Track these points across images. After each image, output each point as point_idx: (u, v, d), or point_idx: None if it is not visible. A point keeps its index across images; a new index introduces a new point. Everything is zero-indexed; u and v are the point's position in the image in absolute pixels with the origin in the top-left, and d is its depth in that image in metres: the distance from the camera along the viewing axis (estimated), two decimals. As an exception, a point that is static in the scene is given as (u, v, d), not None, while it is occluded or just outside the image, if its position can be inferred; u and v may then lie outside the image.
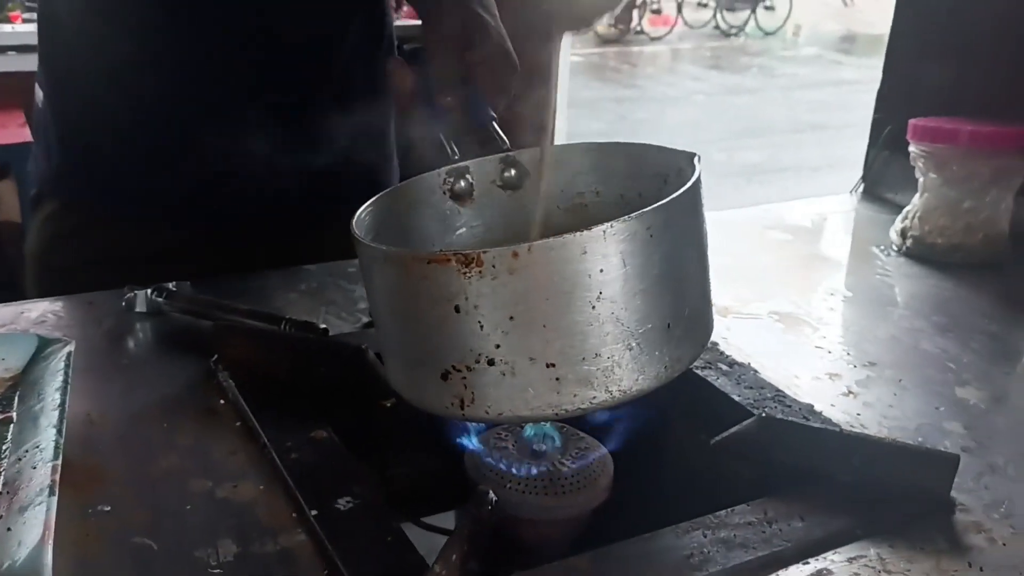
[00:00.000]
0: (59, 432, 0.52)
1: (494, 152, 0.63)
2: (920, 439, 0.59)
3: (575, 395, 0.46)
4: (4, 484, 0.49)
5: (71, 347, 0.61)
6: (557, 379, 0.45)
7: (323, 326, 0.69)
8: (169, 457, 0.55)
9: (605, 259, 0.44)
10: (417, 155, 0.69)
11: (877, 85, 1.13)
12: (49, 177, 0.86)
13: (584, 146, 0.61)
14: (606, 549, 0.47)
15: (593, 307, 0.44)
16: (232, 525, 0.49)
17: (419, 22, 0.79)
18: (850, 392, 0.66)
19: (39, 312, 0.73)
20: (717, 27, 11.68)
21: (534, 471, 0.55)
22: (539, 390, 0.45)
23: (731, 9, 11.78)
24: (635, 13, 11.81)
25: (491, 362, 0.45)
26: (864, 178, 1.14)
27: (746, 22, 11.60)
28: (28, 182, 0.91)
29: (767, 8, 11.86)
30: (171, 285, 0.73)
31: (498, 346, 0.45)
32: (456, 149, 0.69)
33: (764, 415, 0.58)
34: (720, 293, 0.80)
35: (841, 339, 0.75)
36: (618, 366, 0.46)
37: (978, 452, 0.58)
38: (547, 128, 0.59)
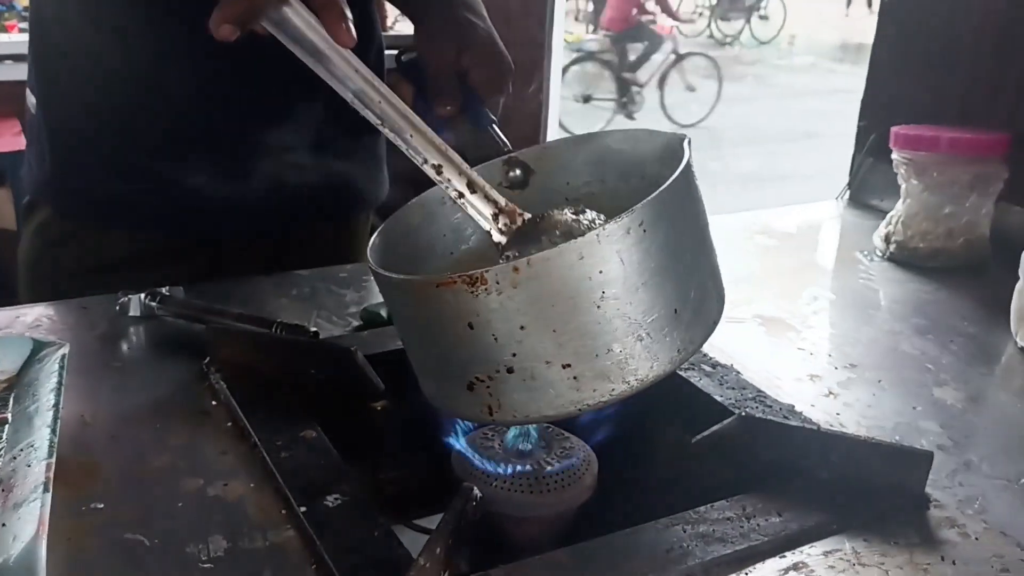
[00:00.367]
0: (53, 431, 0.53)
1: (496, 155, 0.64)
2: (897, 438, 0.61)
3: (595, 389, 0.47)
4: (0, 482, 0.50)
5: (65, 350, 0.62)
6: (575, 377, 0.47)
7: (314, 329, 0.70)
8: (161, 456, 0.56)
9: (603, 261, 0.45)
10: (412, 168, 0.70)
11: (867, 94, 1.15)
12: (41, 184, 0.86)
13: (583, 137, 0.62)
14: (587, 544, 0.48)
15: (598, 307, 0.46)
16: (222, 521, 0.50)
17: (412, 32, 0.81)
18: (831, 393, 0.67)
19: (34, 316, 0.74)
20: (712, 36, 11.73)
21: (519, 470, 0.56)
22: (560, 389, 0.47)
23: (726, 18, 11.83)
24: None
25: (510, 370, 0.47)
26: (850, 185, 1.15)
27: (741, 31, 11.65)
28: (23, 189, 0.92)
29: (762, 17, 11.91)
30: (164, 290, 0.74)
31: (515, 354, 0.46)
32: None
33: (744, 414, 0.59)
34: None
35: (823, 342, 0.76)
36: (632, 357, 0.47)
37: (953, 450, 0.60)
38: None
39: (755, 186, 5.29)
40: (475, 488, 0.50)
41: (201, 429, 0.59)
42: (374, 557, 0.47)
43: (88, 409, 0.61)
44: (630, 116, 6.77)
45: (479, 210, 0.53)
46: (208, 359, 0.65)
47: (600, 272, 0.45)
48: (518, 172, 0.62)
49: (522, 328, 0.45)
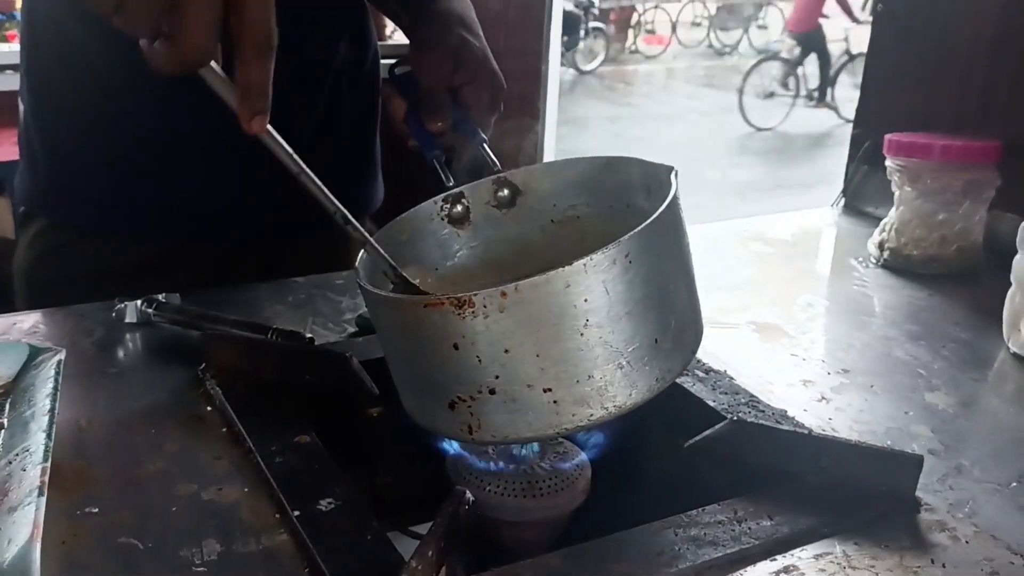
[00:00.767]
0: (48, 436, 0.53)
1: (486, 174, 0.65)
2: (889, 442, 0.61)
3: (574, 414, 0.48)
4: (-6, 486, 0.50)
5: (61, 355, 0.63)
6: (555, 402, 0.48)
7: (309, 336, 0.70)
8: (156, 461, 0.56)
9: (588, 290, 0.46)
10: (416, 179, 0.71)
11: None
12: (35, 194, 0.86)
13: (572, 161, 0.63)
14: (578, 547, 0.48)
15: (581, 334, 0.47)
16: (216, 525, 0.50)
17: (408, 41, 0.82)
18: (823, 398, 0.67)
19: (31, 323, 0.75)
20: (711, 46, 11.78)
21: (513, 474, 0.56)
22: (539, 413, 0.48)
23: (724, 28, 11.88)
24: (630, 33, 11.92)
25: (492, 391, 0.48)
26: (844, 192, 1.16)
27: (739, 41, 11.69)
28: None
29: (760, 27, 11.95)
30: (160, 296, 0.75)
31: (497, 377, 0.47)
32: (450, 176, 0.71)
33: (736, 419, 0.59)
34: (701, 304, 0.82)
35: (817, 347, 0.77)
36: (611, 384, 0.48)
37: (945, 454, 0.60)
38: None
39: (754, 195, 5.31)
40: (467, 492, 0.50)
41: (196, 434, 0.59)
42: (367, 561, 0.47)
43: (84, 414, 0.61)
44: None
45: None
46: (203, 365, 0.66)
47: (585, 300, 0.46)
48: (506, 192, 0.64)
49: (506, 351, 0.47)
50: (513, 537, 0.57)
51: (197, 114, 0.81)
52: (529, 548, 0.56)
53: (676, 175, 0.53)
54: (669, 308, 0.50)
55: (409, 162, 0.79)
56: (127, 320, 0.74)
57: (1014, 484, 0.57)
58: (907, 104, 1.09)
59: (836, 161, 1.20)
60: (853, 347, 0.77)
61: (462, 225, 0.64)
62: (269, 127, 0.50)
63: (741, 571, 0.48)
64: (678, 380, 0.66)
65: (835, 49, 8.09)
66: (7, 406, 0.59)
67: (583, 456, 0.59)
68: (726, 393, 0.65)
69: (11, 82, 2.06)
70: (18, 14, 2.73)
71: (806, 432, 0.59)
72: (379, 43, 0.96)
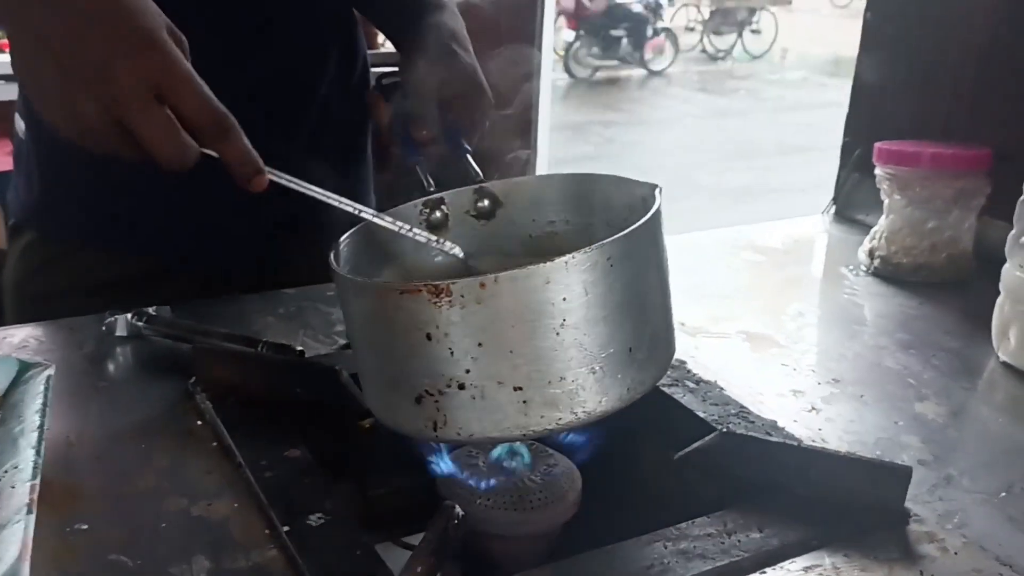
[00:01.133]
0: (38, 452, 0.53)
1: (468, 183, 0.65)
2: (878, 453, 0.61)
3: (542, 416, 0.48)
4: (-17, 504, 0.50)
5: (51, 370, 0.62)
6: (524, 402, 0.48)
7: (299, 348, 0.70)
8: (146, 477, 0.56)
9: (568, 288, 0.46)
10: (393, 183, 0.71)
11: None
12: (28, 208, 0.87)
13: (555, 177, 0.63)
14: (567, 561, 0.48)
15: (557, 333, 0.47)
16: (206, 542, 0.50)
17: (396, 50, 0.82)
18: (813, 408, 0.67)
19: (21, 337, 0.75)
20: (704, 51, 11.80)
21: (502, 487, 0.56)
22: (508, 412, 0.48)
23: (718, 33, 11.90)
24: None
25: (461, 386, 0.47)
26: (835, 200, 1.16)
27: (733, 46, 11.71)
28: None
29: (754, 32, 11.98)
30: (151, 309, 0.75)
31: (468, 371, 0.47)
32: (432, 181, 0.72)
33: (726, 430, 0.59)
34: (691, 312, 0.83)
35: (807, 357, 0.77)
36: (582, 389, 0.48)
37: (934, 465, 0.60)
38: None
39: (748, 200, 5.31)
40: (457, 506, 0.50)
41: (186, 449, 0.59)
42: (356, 575, 0.47)
43: (73, 430, 0.61)
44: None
45: None
46: (194, 379, 0.66)
47: (564, 299, 0.46)
48: (486, 203, 0.64)
49: (479, 345, 0.46)
50: (503, 551, 0.57)
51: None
52: (519, 561, 0.56)
53: (660, 192, 0.53)
54: (645, 320, 0.51)
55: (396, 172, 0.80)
56: (117, 333, 0.74)
57: (1003, 494, 0.57)
58: (897, 112, 1.09)
59: (834, 166, 1.20)
60: (844, 357, 0.77)
61: (440, 231, 0.64)
62: (270, 176, 0.53)
63: (730, 584, 0.48)
64: (668, 391, 0.66)
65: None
66: (-4, 422, 0.59)
67: (573, 468, 0.59)
68: (716, 404, 0.65)
69: (4, 92, 2.06)
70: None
71: (795, 444, 0.59)
72: (369, 52, 0.96)
